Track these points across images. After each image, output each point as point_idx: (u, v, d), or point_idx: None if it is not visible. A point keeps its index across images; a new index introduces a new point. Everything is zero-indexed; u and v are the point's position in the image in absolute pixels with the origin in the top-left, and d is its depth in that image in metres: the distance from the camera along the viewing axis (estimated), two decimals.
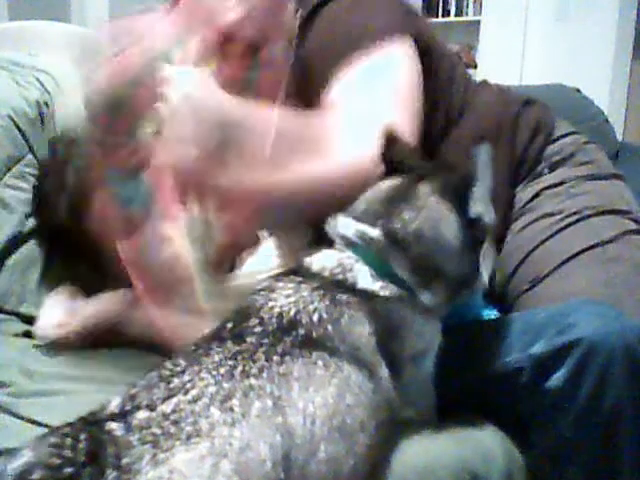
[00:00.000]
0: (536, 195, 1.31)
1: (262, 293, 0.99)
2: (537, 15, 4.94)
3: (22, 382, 1.15)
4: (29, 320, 1.38)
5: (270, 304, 0.96)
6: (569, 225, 1.25)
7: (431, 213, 1.02)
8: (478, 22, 5.43)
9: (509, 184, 1.32)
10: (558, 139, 1.37)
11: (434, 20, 5.80)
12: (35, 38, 3.06)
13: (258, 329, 0.92)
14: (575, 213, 1.25)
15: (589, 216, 1.25)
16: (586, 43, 4.63)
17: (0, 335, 1.34)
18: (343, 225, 1.04)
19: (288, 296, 0.97)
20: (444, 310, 1.05)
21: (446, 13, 5.93)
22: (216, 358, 0.88)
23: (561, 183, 1.31)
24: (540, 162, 1.34)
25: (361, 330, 0.95)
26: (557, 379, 0.95)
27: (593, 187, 1.30)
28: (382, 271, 1.01)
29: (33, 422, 1.04)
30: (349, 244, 1.03)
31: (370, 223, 1.02)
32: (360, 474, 0.88)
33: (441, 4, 5.94)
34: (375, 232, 1.01)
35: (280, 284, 1.00)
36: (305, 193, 1.12)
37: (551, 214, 1.27)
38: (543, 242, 1.24)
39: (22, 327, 1.38)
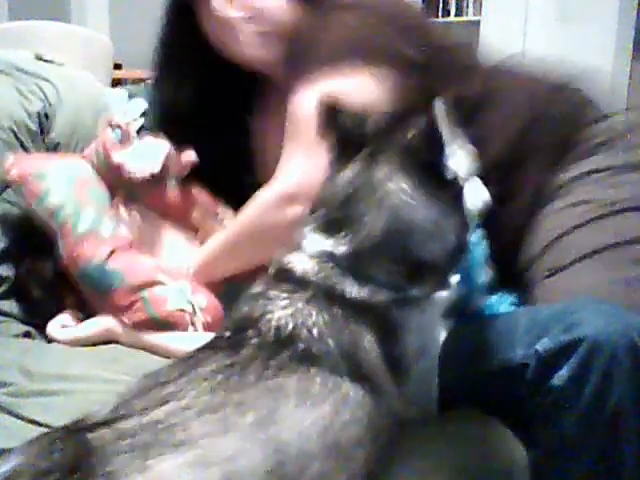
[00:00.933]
0: (579, 177, 1.26)
1: (260, 301, 0.97)
2: (537, 15, 4.94)
3: (22, 382, 1.15)
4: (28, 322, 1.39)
5: (268, 316, 0.95)
6: (602, 217, 1.22)
7: (394, 203, 0.97)
8: (478, 22, 5.42)
9: (548, 168, 1.28)
10: (606, 118, 1.32)
11: (434, 20, 5.80)
12: (35, 38, 3.07)
13: (255, 341, 0.92)
14: (613, 203, 1.22)
15: (624, 210, 1.22)
16: (586, 43, 4.63)
17: (0, 336, 1.34)
18: (311, 242, 1.00)
19: (285, 307, 0.95)
20: (438, 291, 1.03)
21: (446, 13, 5.92)
22: (210, 368, 0.87)
23: (607, 169, 1.26)
24: (586, 142, 1.29)
25: (363, 343, 0.94)
26: (561, 376, 0.95)
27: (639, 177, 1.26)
28: (363, 279, 0.99)
29: (33, 422, 1.04)
30: (326, 259, 0.99)
31: (335, 237, 0.98)
32: None
33: (441, 4, 5.93)
34: (343, 248, 0.98)
35: (273, 292, 0.98)
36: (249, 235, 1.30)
37: (587, 201, 1.23)
38: (572, 230, 1.22)
39: (22, 328, 1.38)
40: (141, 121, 1.83)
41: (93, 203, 1.37)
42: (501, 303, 1.20)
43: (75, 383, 1.13)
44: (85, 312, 1.36)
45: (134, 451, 0.76)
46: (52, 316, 1.37)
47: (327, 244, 0.99)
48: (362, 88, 1.23)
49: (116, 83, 3.93)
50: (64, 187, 1.36)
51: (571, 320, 0.97)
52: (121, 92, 1.90)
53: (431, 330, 1.03)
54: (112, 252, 1.31)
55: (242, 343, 0.91)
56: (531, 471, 1.02)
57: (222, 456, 0.78)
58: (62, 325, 1.35)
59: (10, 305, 1.42)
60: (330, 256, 0.98)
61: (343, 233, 0.98)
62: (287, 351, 0.90)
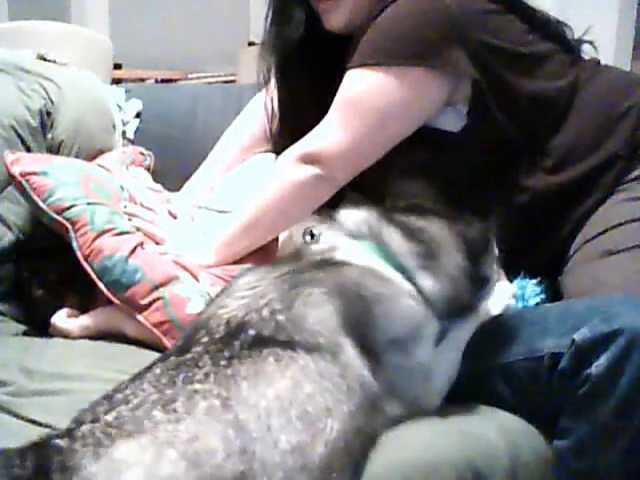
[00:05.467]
0: None
1: (216, 301, 1.00)
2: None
3: (22, 381, 1.14)
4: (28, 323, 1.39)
5: (220, 312, 0.97)
6: None
7: (441, 231, 1.07)
8: None
9: (619, 169, 1.32)
10: None
11: None
12: (35, 38, 3.06)
13: (205, 339, 0.93)
14: None
15: None
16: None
17: (0, 335, 1.34)
18: (345, 215, 1.09)
19: (243, 297, 0.98)
20: (439, 308, 1.05)
21: None
22: (157, 371, 0.89)
23: None
24: None
25: (319, 312, 0.95)
26: (599, 366, 0.97)
27: None
28: (378, 251, 1.02)
29: (33, 422, 1.04)
30: (347, 232, 1.06)
31: (371, 209, 1.08)
32: (339, 459, 0.87)
33: None
34: (372, 214, 1.06)
35: (242, 280, 1.01)
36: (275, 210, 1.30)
37: None
38: (630, 222, 1.26)
39: (21, 328, 1.38)
40: (136, 122, 1.84)
41: (102, 198, 1.37)
42: (531, 295, 1.27)
43: (75, 382, 1.13)
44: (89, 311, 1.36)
45: (87, 447, 0.78)
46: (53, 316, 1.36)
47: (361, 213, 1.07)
48: (392, 88, 1.25)
49: (116, 83, 3.93)
50: (71, 183, 1.36)
51: (610, 312, 0.99)
52: (119, 90, 1.91)
53: (418, 328, 1.03)
54: (135, 247, 1.30)
55: (191, 345, 0.93)
56: (557, 462, 1.03)
57: (178, 439, 0.79)
58: (67, 315, 1.34)
59: (9, 306, 1.42)
60: (362, 222, 1.06)
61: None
62: (237, 340, 0.91)
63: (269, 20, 1.45)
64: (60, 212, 1.32)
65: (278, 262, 1.05)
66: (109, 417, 0.82)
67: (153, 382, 0.87)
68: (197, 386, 0.85)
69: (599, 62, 1.45)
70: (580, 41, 1.43)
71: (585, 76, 1.37)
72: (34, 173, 1.35)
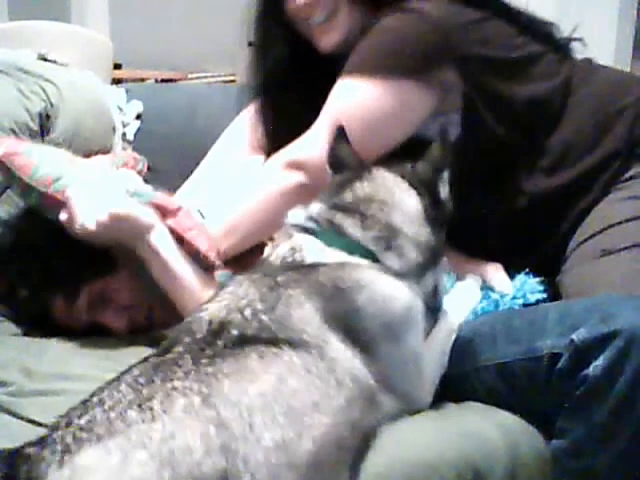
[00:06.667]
0: None
1: (200, 307, 1.00)
2: (537, 15, 4.94)
3: (22, 382, 1.15)
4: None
5: (201, 314, 0.97)
6: None
7: (384, 182, 1.08)
8: None
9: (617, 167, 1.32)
10: None
11: None
12: (35, 38, 3.06)
13: (186, 339, 0.93)
14: None
15: None
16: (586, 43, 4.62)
17: (0, 335, 1.34)
18: (292, 215, 1.09)
19: (221, 300, 0.98)
20: (420, 277, 1.05)
21: None
22: (136, 372, 0.88)
23: None
24: None
25: (301, 311, 0.95)
26: (597, 367, 0.97)
27: None
28: (333, 240, 1.02)
29: (33, 422, 1.04)
30: (301, 230, 1.06)
31: (316, 203, 1.08)
32: (330, 454, 0.87)
33: None
34: (319, 206, 1.07)
35: (222, 291, 1.01)
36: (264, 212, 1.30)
37: None
38: (630, 220, 1.26)
39: (21, 327, 1.38)
40: (137, 124, 1.83)
41: (87, 174, 1.35)
42: (531, 292, 1.25)
43: (75, 383, 1.12)
44: (74, 314, 1.35)
45: (54, 454, 0.78)
46: (38, 318, 1.37)
47: (307, 209, 1.08)
48: (379, 100, 1.26)
49: (116, 83, 3.93)
50: (56, 160, 1.35)
51: (608, 312, 0.99)
52: (119, 91, 1.90)
53: (407, 309, 1.02)
54: None
55: (172, 346, 0.93)
56: (554, 462, 1.02)
57: (153, 439, 0.78)
58: None
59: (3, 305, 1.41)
60: (309, 216, 1.07)
61: (326, 199, 1.10)
62: (220, 340, 0.91)
63: (254, 44, 1.49)
64: (49, 185, 1.29)
65: (251, 270, 1.05)
66: (82, 421, 0.81)
67: (130, 383, 0.86)
68: (176, 383, 0.84)
69: (591, 61, 1.45)
70: (569, 39, 1.44)
71: (581, 75, 1.38)
72: (17, 153, 1.33)
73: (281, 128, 1.48)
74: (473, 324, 1.14)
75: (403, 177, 1.09)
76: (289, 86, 1.47)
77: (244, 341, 0.91)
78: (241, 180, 1.52)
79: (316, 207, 1.08)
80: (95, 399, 0.85)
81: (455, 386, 1.09)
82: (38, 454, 0.79)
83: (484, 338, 1.10)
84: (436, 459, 0.97)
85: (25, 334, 1.37)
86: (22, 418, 1.06)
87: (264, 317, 0.93)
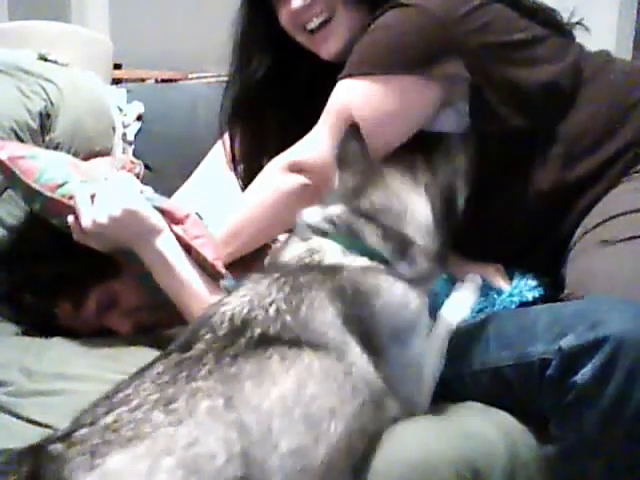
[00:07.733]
0: None
1: (220, 301, 0.99)
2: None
3: (22, 382, 1.15)
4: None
5: (222, 309, 0.96)
6: None
7: (399, 192, 1.08)
8: None
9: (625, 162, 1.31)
10: None
11: None
12: (35, 38, 3.06)
13: (208, 336, 0.92)
14: None
15: None
16: (586, 43, 4.63)
17: (0, 335, 1.34)
18: (309, 214, 1.08)
19: (243, 296, 0.97)
20: (426, 284, 1.06)
21: None
22: (159, 369, 0.88)
23: None
24: None
25: (323, 314, 0.95)
26: (585, 374, 0.95)
27: None
28: (352, 245, 1.02)
29: (33, 422, 1.04)
30: (317, 231, 1.05)
31: (334, 204, 1.07)
32: (340, 460, 0.87)
33: None
34: (340, 208, 1.06)
35: (240, 286, 1.00)
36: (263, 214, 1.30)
37: None
38: (634, 211, 1.24)
39: (19, 329, 1.38)
40: (137, 125, 1.83)
41: (92, 179, 1.35)
42: (527, 289, 1.26)
43: (75, 383, 1.13)
44: (81, 318, 1.36)
45: (83, 455, 0.77)
46: (44, 322, 1.36)
47: (325, 210, 1.07)
48: (380, 98, 1.24)
49: (116, 83, 3.93)
50: (60, 165, 1.34)
51: (596, 318, 0.98)
52: (120, 91, 1.90)
53: (416, 314, 1.03)
54: None
55: (194, 342, 0.92)
56: (546, 467, 1.02)
57: (179, 444, 0.78)
58: None
59: (8, 308, 1.41)
60: (327, 218, 1.06)
61: (344, 201, 1.08)
62: (243, 338, 0.91)
63: (233, 64, 1.46)
64: (54, 190, 1.28)
65: (267, 268, 1.05)
66: (108, 419, 0.81)
67: (154, 380, 0.86)
68: (200, 384, 0.84)
69: (609, 52, 1.45)
70: (571, 24, 1.43)
71: (597, 64, 1.37)
72: (22, 157, 1.32)
73: (259, 152, 1.47)
74: (466, 327, 1.14)
75: (424, 185, 1.09)
76: (268, 107, 1.47)
77: (266, 341, 0.90)
78: (236, 185, 1.52)
79: (337, 209, 1.07)
80: (120, 395, 0.85)
81: (453, 388, 1.08)
82: (66, 453, 0.78)
83: (478, 342, 1.10)
84: (436, 459, 0.97)
85: (25, 334, 1.37)
86: (22, 418, 1.06)
87: (288, 318, 0.93)
